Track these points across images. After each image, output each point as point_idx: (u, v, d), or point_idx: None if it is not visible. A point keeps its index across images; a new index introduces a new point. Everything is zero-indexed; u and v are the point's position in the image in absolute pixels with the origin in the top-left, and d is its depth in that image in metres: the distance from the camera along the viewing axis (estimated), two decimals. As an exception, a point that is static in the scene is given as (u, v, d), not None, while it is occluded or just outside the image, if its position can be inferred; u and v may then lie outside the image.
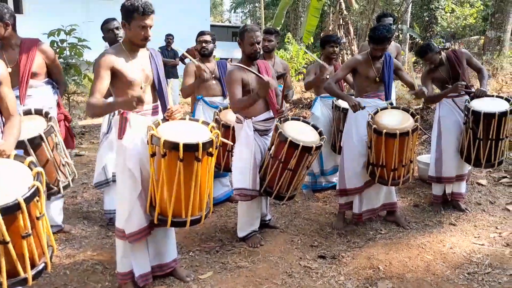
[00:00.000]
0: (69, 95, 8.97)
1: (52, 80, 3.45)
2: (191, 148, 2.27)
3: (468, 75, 3.91)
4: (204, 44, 4.12)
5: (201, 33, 4.18)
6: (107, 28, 3.59)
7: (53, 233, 3.43)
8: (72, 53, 8.05)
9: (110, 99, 2.64)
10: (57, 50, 7.99)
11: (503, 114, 3.52)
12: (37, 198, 1.73)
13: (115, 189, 3.60)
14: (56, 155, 2.97)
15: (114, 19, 3.63)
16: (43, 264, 1.81)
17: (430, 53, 3.85)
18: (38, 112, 3.04)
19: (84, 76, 8.28)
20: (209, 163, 2.41)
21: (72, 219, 3.87)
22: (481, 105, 3.64)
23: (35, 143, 2.77)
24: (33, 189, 1.70)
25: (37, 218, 1.76)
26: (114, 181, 3.59)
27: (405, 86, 3.79)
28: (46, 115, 3.02)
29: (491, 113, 3.53)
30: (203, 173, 2.39)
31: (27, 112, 3.02)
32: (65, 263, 3.06)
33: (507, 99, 3.65)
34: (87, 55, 8.05)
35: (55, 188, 2.97)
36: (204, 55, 4.15)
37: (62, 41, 7.97)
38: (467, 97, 3.78)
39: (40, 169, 1.80)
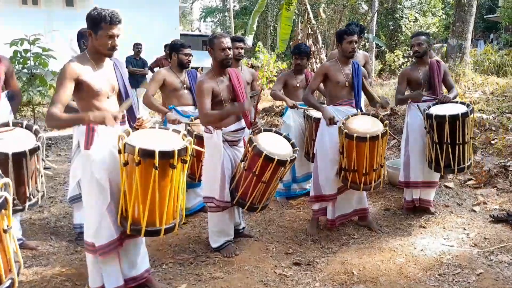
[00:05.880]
0: (34, 107, 8.70)
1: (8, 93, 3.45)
2: (166, 156, 2.26)
3: (441, 86, 4.03)
4: (190, 58, 4.10)
5: (184, 46, 4.09)
6: None
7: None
8: (37, 63, 7.83)
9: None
10: (21, 60, 7.76)
11: (455, 117, 3.55)
12: (4, 209, 1.66)
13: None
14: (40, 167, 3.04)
15: None
16: (9, 281, 1.73)
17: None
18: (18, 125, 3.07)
19: (49, 86, 8.06)
20: (183, 170, 2.40)
21: (39, 234, 3.72)
22: (437, 109, 3.73)
23: (31, 154, 2.88)
24: (0, 200, 1.63)
25: (4, 231, 1.69)
26: None
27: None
28: (28, 128, 3.04)
29: (442, 116, 3.60)
30: (177, 180, 2.38)
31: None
32: (32, 280, 2.93)
33: (468, 105, 3.72)
34: (52, 65, 7.85)
35: (34, 199, 3.01)
36: (187, 67, 4.13)
37: (26, 51, 7.75)
38: (431, 102, 3.89)
39: (7, 180, 1.74)
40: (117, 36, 2.43)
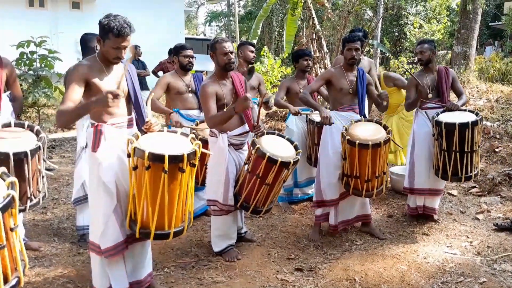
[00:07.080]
0: (39, 108, 8.74)
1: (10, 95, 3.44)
2: (176, 160, 2.28)
3: (449, 93, 4.02)
4: (191, 59, 4.12)
5: (184, 48, 4.13)
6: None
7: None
8: (43, 65, 7.88)
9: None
10: (27, 62, 7.81)
11: (465, 126, 3.54)
12: (11, 208, 1.67)
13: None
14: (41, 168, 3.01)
15: None
16: (16, 279, 1.73)
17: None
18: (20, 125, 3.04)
19: (54, 88, 8.11)
20: (191, 173, 2.42)
21: (42, 236, 3.73)
22: (446, 117, 3.71)
23: (32, 154, 2.81)
24: (8, 198, 1.64)
25: (11, 229, 1.70)
26: None
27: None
28: (30, 129, 3.00)
29: (451, 123, 3.59)
30: (186, 183, 2.39)
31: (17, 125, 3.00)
32: (35, 281, 2.94)
33: (477, 113, 3.69)
34: (58, 67, 7.90)
35: (35, 199, 2.97)
36: (189, 69, 4.14)
37: (32, 52, 7.80)
38: (439, 110, 3.87)
39: (13, 179, 1.75)
40: (124, 48, 2.42)
